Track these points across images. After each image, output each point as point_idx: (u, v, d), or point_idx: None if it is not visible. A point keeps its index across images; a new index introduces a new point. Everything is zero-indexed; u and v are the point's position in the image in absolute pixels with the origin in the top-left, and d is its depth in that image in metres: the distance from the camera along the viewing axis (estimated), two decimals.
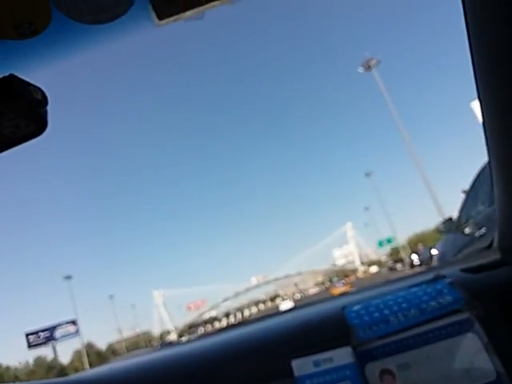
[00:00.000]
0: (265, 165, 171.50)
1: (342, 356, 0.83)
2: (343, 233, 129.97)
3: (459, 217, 5.02)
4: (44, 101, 0.56)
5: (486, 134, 0.86)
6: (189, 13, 0.62)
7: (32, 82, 0.55)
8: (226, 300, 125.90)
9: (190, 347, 1.06)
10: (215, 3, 0.62)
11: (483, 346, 0.78)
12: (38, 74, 0.65)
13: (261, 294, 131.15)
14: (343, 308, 0.92)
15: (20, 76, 0.54)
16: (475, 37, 0.74)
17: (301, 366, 0.84)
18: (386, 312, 0.87)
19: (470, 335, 0.80)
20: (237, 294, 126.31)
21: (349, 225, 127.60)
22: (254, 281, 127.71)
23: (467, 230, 4.44)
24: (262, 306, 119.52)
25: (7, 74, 0.53)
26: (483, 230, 3.88)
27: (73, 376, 1.10)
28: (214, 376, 0.90)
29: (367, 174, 54.51)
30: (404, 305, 0.87)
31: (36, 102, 0.55)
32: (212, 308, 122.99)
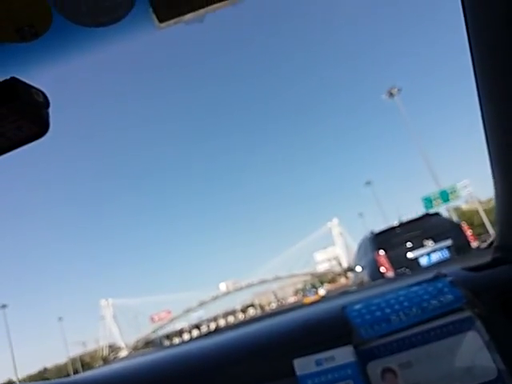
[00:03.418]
0: (234, 155, 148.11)
1: (344, 355, 0.83)
2: (328, 230, 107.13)
3: (354, 264, 10.04)
4: (46, 103, 0.56)
5: (486, 133, 0.86)
6: (189, 15, 0.62)
7: (33, 84, 0.55)
8: (188, 311, 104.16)
9: (191, 347, 1.07)
10: (216, 6, 0.62)
11: (484, 345, 0.79)
12: (40, 76, 0.65)
13: (236, 302, 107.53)
14: (344, 307, 0.92)
15: (21, 79, 0.54)
16: (476, 42, 0.75)
17: (303, 365, 0.84)
18: (388, 311, 0.87)
19: (471, 333, 0.80)
20: (201, 304, 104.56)
21: (335, 221, 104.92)
22: (223, 287, 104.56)
23: (356, 270, 9.53)
24: (231, 319, 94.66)
25: (9, 77, 0.53)
26: (361, 269, 8.88)
27: (72, 378, 1.10)
28: (216, 376, 0.91)
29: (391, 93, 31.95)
30: (405, 303, 0.87)
31: (38, 104, 0.55)
32: (172, 320, 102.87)
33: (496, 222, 0.99)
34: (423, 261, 7.45)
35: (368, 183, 53.52)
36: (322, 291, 47.81)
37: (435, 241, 7.52)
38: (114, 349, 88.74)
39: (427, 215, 8.32)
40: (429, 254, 7.46)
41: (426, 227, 7.82)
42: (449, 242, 7.46)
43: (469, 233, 7.60)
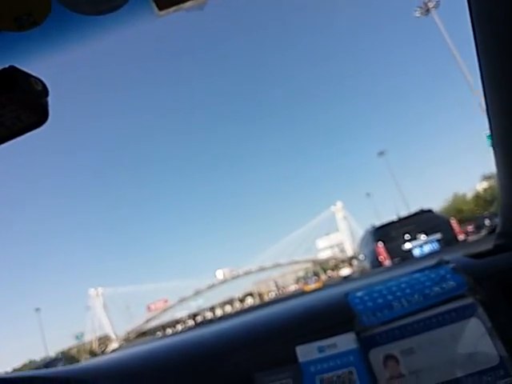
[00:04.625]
0: (232, 138, 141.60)
1: (346, 342, 0.83)
2: (331, 214, 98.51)
3: (358, 253, 14.27)
4: (44, 92, 0.56)
5: (489, 120, 0.86)
6: (189, 3, 0.62)
7: (32, 73, 0.55)
8: (182, 300, 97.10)
9: (194, 335, 1.07)
10: None
11: (486, 331, 0.79)
12: (38, 65, 0.65)
13: (235, 291, 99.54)
14: (347, 294, 0.93)
15: (20, 67, 0.53)
16: (480, 31, 0.74)
17: (305, 351, 0.85)
18: (390, 298, 0.87)
19: (473, 320, 0.80)
20: (197, 293, 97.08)
21: (339, 204, 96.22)
22: (220, 275, 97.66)
23: (360, 258, 12.39)
24: (228, 308, 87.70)
25: (7, 66, 0.53)
26: (364, 257, 10.76)
27: (78, 364, 1.11)
28: (219, 362, 0.91)
29: None
30: (407, 290, 0.88)
31: (37, 93, 0.55)
32: (165, 310, 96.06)
33: (499, 209, 0.99)
34: (416, 252, 8.68)
35: (381, 153, 47.51)
36: (346, 271, 46.56)
37: (427, 234, 8.80)
38: (103, 341, 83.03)
39: (421, 212, 9.54)
40: (421, 245, 8.73)
41: (420, 222, 9.08)
42: (438, 236, 8.65)
43: (456, 227, 8.75)
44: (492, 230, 1.07)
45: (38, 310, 71.86)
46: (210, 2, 0.63)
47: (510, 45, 0.71)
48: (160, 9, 0.61)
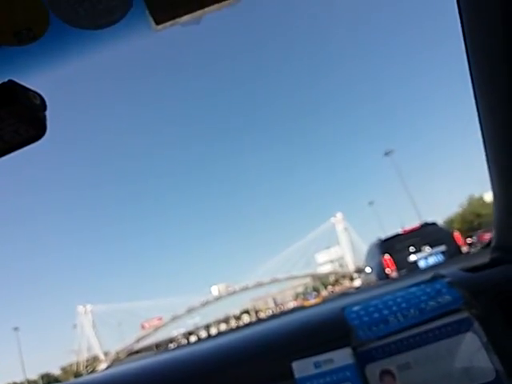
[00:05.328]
0: (228, 151, 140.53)
1: (343, 357, 0.83)
2: (331, 226, 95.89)
3: (364, 265, 12.04)
4: (43, 106, 0.57)
5: (483, 134, 0.86)
6: (186, 17, 0.63)
7: (31, 87, 0.55)
8: (175, 318, 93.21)
9: (191, 350, 1.07)
10: (214, 7, 0.62)
11: (482, 346, 0.79)
12: (37, 79, 0.65)
13: (231, 308, 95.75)
14: (343, 309, 0.93)
15: (19, 82, 0.54)
16: (472, 41, 0.75)
17: (301, 367, 0.84)
18: (386, 312, 0.87)
19: (469, 334, 0.80)
20: (190, 310, 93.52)
21: (339, 216, 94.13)
22: (215, 291, 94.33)
23: (366, 270, 11.36)
24: (223, 327, 75.44)
25: (6, 80, 0.54)
26: (370, 270, 10.63)
27: (72, 381, 1.10)
28: (215, 378, 0.91)
29: None
30: (403, 305, 0.87)
31: (35, 107, 0.55)
32: (157, 329, 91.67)
33: (494, 222, 0.99)
34: (421, 264, 9.00)
35: (388, 153, 42.68)
36: (357, 282, 44.57)
37: (431, 246, 9.16)
38: (91, 362, 78.70)
39: (426, 224, 9.95)
40: (426, 257, 9.07)
41: (424, 235, 9.43)
42: (443, 248, 9.02)
43: (460, 239, 9.15)
44: (488, 244, 1.08)
45: (16, 329, 68.78)
46: (207, 15, 0.64)
47: (500, 51, 0.72)
48: (157, 23, 0.62)
